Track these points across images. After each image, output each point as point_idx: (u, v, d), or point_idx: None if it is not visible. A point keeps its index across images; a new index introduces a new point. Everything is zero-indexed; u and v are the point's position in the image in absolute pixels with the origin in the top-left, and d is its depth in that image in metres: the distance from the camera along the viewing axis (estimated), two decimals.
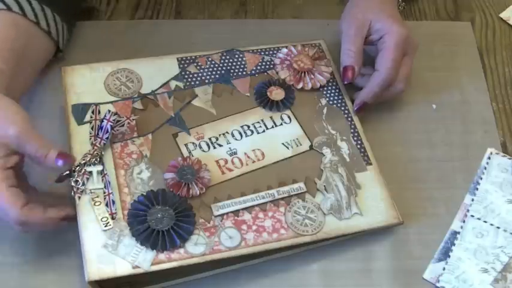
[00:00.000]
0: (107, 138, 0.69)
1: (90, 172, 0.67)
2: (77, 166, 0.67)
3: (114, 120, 0.70)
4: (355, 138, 0.75)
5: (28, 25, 0.73)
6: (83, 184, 0.66)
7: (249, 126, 0.75)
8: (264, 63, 0.80)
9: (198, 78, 0.77)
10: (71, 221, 0.65)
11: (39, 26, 0.74)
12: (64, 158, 0.64)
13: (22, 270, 0.67)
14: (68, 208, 0.65)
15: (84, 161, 0.67)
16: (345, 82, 0.77)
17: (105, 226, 0.65)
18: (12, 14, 0.71)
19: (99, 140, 0.69)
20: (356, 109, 0.77)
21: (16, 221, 0.62)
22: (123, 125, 0.71)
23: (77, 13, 0.85)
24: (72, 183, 0.66)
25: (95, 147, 0.69)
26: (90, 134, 0.70)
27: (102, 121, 0.70)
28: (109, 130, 0.69)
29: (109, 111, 0.70)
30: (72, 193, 0.66)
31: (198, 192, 0.68)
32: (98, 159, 0.68)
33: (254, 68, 0.79)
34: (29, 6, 0.73)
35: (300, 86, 0.78)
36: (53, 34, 0.76)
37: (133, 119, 0.71)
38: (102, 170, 0.68)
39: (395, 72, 0.75)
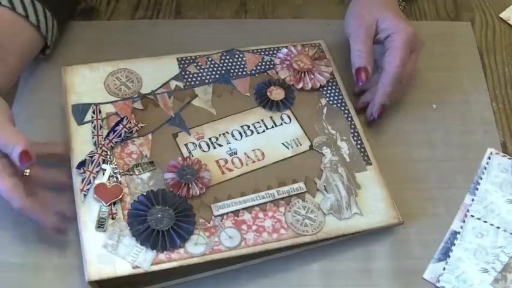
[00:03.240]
0: (116, 142, 0.70)
1: (104, 170, 0.68)
2: (85, 164, 0.67)
3: (129, 127, 0.70)
4: (355, 138, 0.75)
5: (16, 18, 0.73)
6: (89, 183, 0.67)
7: (249, 126, 0.75)
8: (264, 63, 0.80)
9: (198, 78, 0.77)
10: (69, 220, 0.66)
11: (27, 19, 0.74)
12: (23, 160, 0.62)
13: (22, 270, 0.67)
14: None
15: (92, 160, 0.68)
16: (360, 83, 0.75)
17: (99, 227, 0.64)
18: (0, 7, 0.72)
19: (107, 141, 0.69)
20: (377, 115, 0.76)
21: (21, 210, 0.63)
22: (131, 132, 0.71)
23: (71, 11, 0.85)
24: (79, 183, 0.66)
25: (103, 148, 0.69)
26: (93, 133, 0.70)
27: (118, 125, 0.70)
28: (122, 135, 0.70)
29: (126, 117, 0.71)
30: (79, 191, 0.66)
31: (198, 192, 0.68)
32: (105, 159, 0.68)
33: (254, 68, 0.79)
34: (18, 1, 0.73)
35: (300, 86, 0.78)
36: (42, 29, 0.76)
37: (141, 126, 0.72)
38: (115, 169, 0.68)
39: (404, 71, 0.75)
